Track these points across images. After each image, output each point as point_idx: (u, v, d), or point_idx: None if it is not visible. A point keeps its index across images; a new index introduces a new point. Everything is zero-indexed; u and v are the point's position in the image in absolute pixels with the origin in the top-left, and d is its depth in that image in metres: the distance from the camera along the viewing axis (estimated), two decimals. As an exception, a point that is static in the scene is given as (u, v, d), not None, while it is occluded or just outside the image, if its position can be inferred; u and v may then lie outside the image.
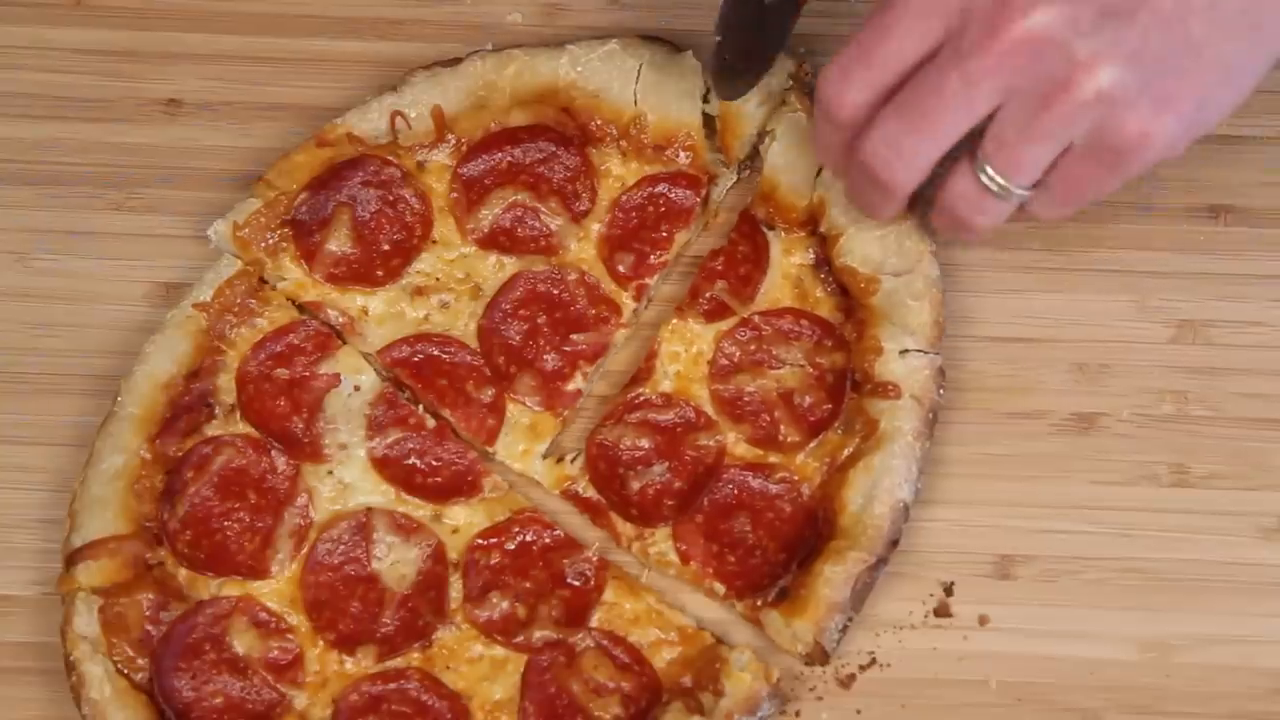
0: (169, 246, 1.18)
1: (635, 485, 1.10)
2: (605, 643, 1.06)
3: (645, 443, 1.11)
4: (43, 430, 1.13)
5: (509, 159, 1.16)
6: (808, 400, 1.11)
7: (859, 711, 1.06)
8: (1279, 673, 1.07)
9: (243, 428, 1.11)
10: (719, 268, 1.14)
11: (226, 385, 1.12)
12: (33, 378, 1.15)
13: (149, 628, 1.06)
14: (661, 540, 1.09)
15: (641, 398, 1.12)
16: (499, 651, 1.06)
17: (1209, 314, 1.14)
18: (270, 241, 1.14)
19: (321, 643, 1.07)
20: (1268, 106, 1.18)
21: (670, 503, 1.09)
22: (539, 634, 1.07)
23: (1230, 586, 1.09)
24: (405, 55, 1.20)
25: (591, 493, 1.10)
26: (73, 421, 1.13)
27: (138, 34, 1.24)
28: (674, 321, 1.13)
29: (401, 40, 1.22)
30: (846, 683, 1.06)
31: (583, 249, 1.15)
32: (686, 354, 1.13)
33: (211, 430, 1.11)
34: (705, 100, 1.15)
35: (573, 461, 1.11)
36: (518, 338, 1.13)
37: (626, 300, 1.14)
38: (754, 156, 1.15)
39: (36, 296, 1.17)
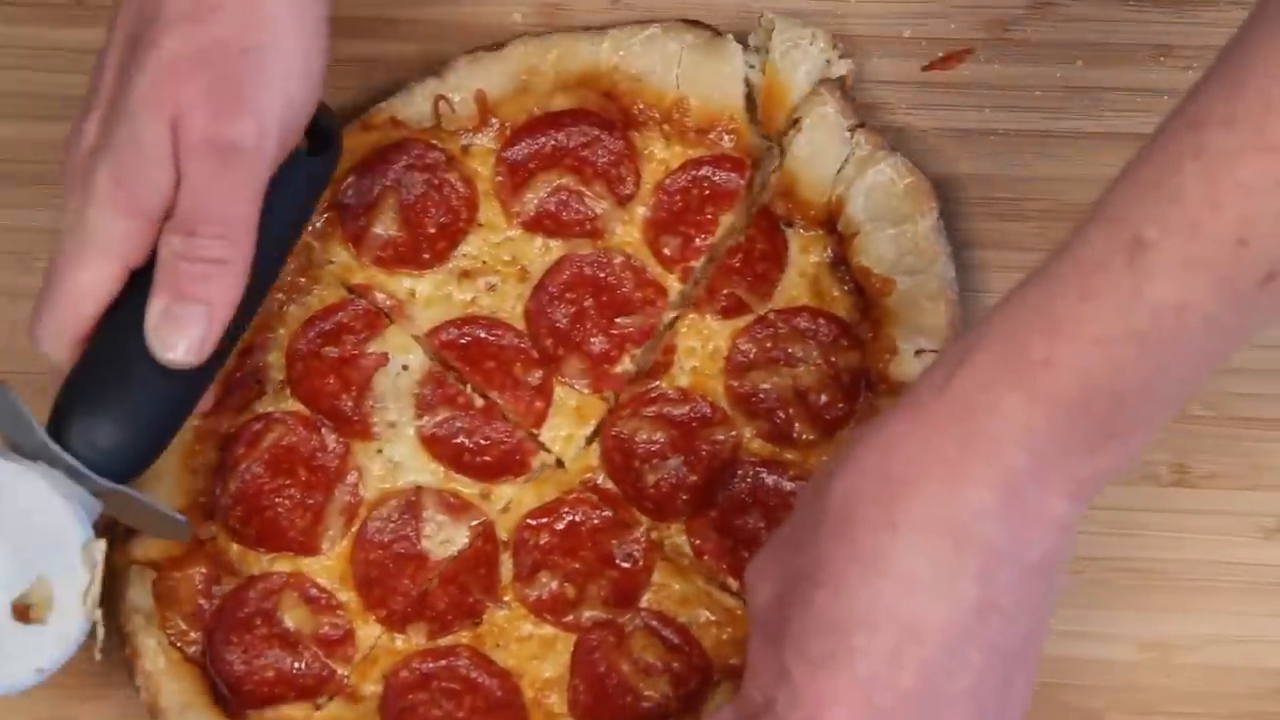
0: None
1: (651, 478, 1.11)
2: (655, 623, 1.08)
3: (660, 436, 1.12)
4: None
5: (553, 143, 1.17)
6: (823, 399, 1.12)
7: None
8: (1280, 672, 1.08)
9: (293, 405, 1.12)
10: (737, 265, 1.15)
11: (276, 362, 1.13)
12: (32, 377, 1.10)
13: (201, 602, 1.07)
14: (676, 534, 1.10)
15: (657, 391, 1.13)
16: (548, 630, 1.08)
17: (1209, 313, 1.15)
18: (316, 226, 1.15)
19: (372, 619, 1.08)
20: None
21: (685, 497, 1.11)
22: (588, 614, 1.08)
23: (1231, 586, 1.10)
24: (405, 55, 1.20)
25: (610, 484, 1.11)
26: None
27: None
28: (691, 316, 1.14)
29: (401, 40, 1.22)
30: None
31: (628, 232, 1.16)
32: (703, 350, 1.14)
33: (262, 407, 1.12)
34: (747, 81, 1.17)
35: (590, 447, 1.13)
36: (565, 321, 1.14)
37: (673, 283, 1.15)
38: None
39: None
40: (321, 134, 1.08)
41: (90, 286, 0.99)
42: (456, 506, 1.10)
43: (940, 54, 1.23)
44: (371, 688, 1.07)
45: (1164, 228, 0.83)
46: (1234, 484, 1.12)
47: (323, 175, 1.09)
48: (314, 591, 1.09)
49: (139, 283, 0.98)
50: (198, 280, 0.97)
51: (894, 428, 0.88)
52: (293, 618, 1.08)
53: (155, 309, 0.97)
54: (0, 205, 1.19)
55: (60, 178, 1.13)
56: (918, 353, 1.10)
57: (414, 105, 1.17)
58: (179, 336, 0.97)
